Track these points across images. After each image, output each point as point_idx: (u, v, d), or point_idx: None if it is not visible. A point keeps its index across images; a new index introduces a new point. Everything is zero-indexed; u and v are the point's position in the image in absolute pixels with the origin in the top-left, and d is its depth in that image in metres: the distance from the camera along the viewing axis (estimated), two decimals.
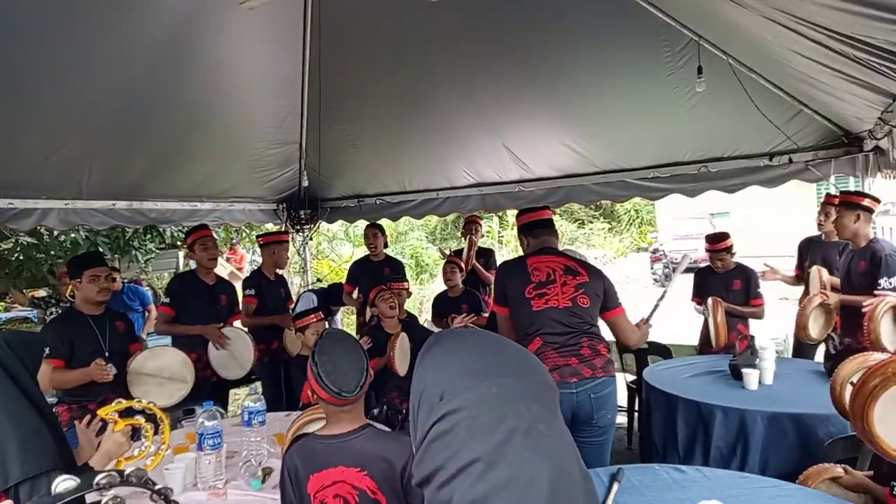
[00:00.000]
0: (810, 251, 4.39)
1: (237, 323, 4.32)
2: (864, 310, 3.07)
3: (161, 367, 3.25)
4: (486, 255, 5.62)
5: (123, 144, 4.20)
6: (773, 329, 5.18)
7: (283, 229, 6.10)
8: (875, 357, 2.13)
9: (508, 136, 4.79)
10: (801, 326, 3.56)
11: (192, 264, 4.61)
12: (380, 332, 3.81)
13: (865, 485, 1.98)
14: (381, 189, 5.91)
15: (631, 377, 4.48)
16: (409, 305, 5.06)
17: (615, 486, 1.99)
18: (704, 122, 4.07)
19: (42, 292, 8.87)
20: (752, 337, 3.55)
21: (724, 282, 4.18)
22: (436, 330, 4.64)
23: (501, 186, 5.28)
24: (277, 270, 4.74)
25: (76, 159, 4.07)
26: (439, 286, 6.12)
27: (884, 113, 3.00)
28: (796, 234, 4.79)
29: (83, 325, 3.19)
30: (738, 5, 2.42)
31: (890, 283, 3.24)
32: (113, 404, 1.94)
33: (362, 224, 5.77)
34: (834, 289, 3.68)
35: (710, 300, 3.97)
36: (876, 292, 3.21)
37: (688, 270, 3.58)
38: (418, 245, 15.22)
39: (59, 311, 6.53)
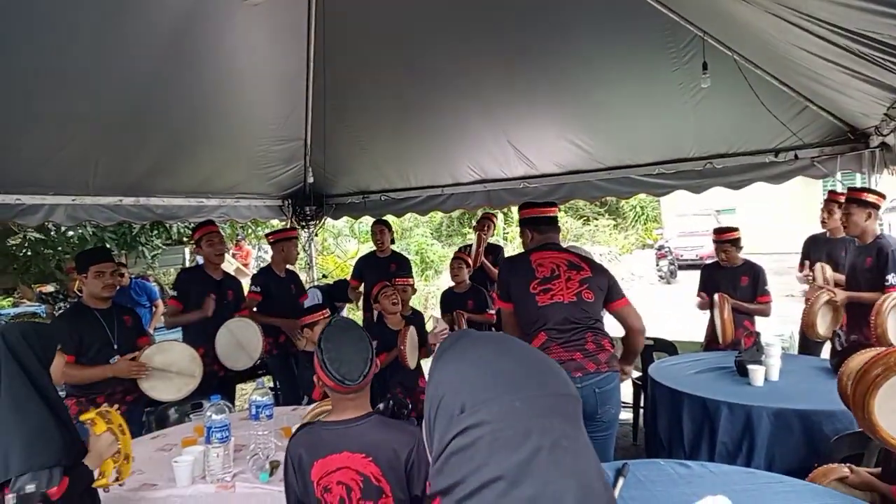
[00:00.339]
0: (815, 248, 4.37)
1: None
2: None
3: (169, 362, 3.26)
4: (494, 251, 5.63)
5: (130, 141, 4.22)
6: (778, 326, 5.17)
7: (288, 225, 6.12)
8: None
9: (513, 133, 4.80)
10: (809, 324, 3.53)
11: (199, 260, 4.63)
12: (383, 328, 3.82)
13: (871, 483, 1.97)
14: (385, 185, 5.93)
15: (636, 373, 4.48)
16: (414, 302, 5.08)
17: (620, 481, 2.00)
18: (709, 118, 4.06)
19: (49, 287, 8.92)
20: (758, 333, 3.54)
21: (731, 278, 4.16)
22: (442, 324, 4.65)
23: (506, 183, 5.29)
24: (288, 266, 4.76)
25: (83, 156, 4.10)
26: (444, 282, 6.14)
27: (890, 109, 2.99)
28: (802, 231, 4.77)
29: (91, 320, 3.21)
30: (743, 1, 2.42)
31: None
32: (90, 412, 1.94)
33: (367, 220, 5.78)
34: (837, 285, 3.67)
35: (716, 296, 3.95)
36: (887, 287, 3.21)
37: (695, 267, 3.58)
38: (423, 241, 15.24)
39: (67, 306, 6.58)
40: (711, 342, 4.20)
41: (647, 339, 4.12)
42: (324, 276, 10.71)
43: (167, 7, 3.43)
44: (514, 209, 10.40)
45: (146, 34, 3.52)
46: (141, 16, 3.38)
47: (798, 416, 2.66)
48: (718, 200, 14.94)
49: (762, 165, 4.19)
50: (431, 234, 16.84)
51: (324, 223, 6.74)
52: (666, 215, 20.36)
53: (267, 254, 12.69)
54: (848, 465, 2.07)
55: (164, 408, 3.29)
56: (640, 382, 4.31)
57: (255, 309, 4.43)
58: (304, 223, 6.30)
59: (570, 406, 0.73)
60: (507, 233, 16.21)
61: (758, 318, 4.18)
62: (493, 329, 4.74)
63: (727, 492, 1.79)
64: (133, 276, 6.51)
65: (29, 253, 8.45)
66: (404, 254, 6.34)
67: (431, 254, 14.60)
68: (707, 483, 1.99)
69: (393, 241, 5.37)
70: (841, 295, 3.49)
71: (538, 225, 3.02)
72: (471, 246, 5.38)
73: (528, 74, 4.22)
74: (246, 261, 11.76)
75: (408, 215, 6.90)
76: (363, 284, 5.23)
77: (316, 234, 6.78)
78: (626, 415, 4.21)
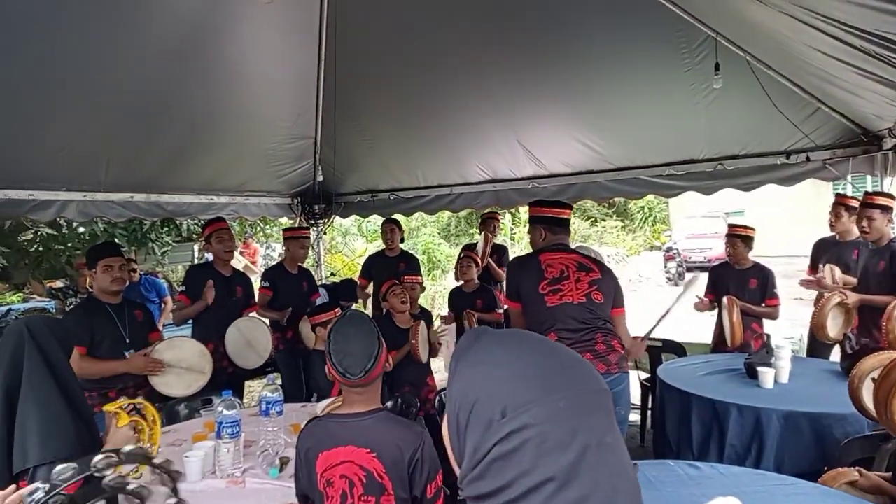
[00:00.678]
0: (824, 252, 4.34)
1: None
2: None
3: (179, 358, 3.28)
4: (498, 251, 5.62)
5: (141, 138, 4.26)
6: (788, 328, 5.14)
7: (297, 224, 6.14)
8: None
9: (523, 133, 4.79)
10: (819, 326, 3.50)
11: (208, 256, 4.65)
12: (391, 326, 3.82)
13: (881, 486, 1.96)
14: (394, 184, 5.94)
15: (644, 375, 4.47)
16: (421, 301, 5.08)
17: None
18: (721, 119, 4.04)
19: (59, 283, 8.99)
20: (768, 335, 3.52)
21: (740, 280, 4.13)
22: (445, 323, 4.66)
23: (515, 183, 5.28)
24: (300, 264, 4.79)
25: (95, 152, 4.14)
26: (451, 282, 6.14)
27: None
28: (811, 234, 4.74)
29: (103, 315, 3.23)
30: (757, 1, 2.41)
31: None
32: (119, 401, 1.97)
33: (375, 219, 5.79)
34: (847, 287, 3.65)
35: (725, 299, 3.93)
36: None
37: (703, 269, 3.57)
38: (430, 241, 15.24)
39: (78, 301, 6.62)
40: (719, 344, 4.18)
41: (656, 340, 4.13)
42: (332, 274, 10.75)
43: (180, 6, 3.46)
44: (523, 210, 10.41)
45: (159, 33, 3.55)
46: (155, 15, 3.41)
47: (808, 418, 2.65)
48: (727, 202, 14.86)
49: (773, 167, 4.16)
50: (439, 233, 16.83)
51: (332, 221, 6.76)
52: (674, 217, 20.26)
53: (274, 251, 12.76)
54: (857, 468, 2.06)
55: (174, 403, 3.31)
56: (648, 384, 4.30)
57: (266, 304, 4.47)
58: (312, 221, 6.32)
59: (607, 401, 0.72)
60: (515, 233, 16.19)
61: (766, 321, 4.16)
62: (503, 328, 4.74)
63: (737, 493, 1.78)
64: (143, 273, 6.55)
65: (40, 248, 8.53)
66: (411, 253, 6.36)
67: (439, 253, 14.60)
68: (717, 484, 1.99)
69: (402, 241, 5.38)
70: (853, 297, 3.46)
71: (552, 225, 3.01)
72: (475, 244, 5.39)
73: (538, 74, 4.21)
74: (254, 259, 11.81)
75: (415, 215, 6.91)
76: (372, 283, 5.24)
77: (324, 233, 6.79)
78: (633, 416, 4.19)
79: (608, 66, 4.03)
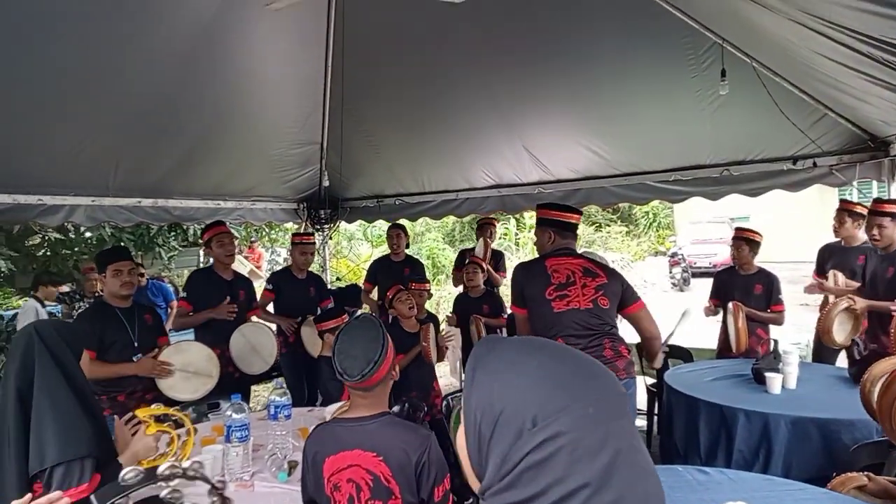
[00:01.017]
0: (829, 257, 4.33)
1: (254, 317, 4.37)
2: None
3: (187, 362, 3.29)
4: (496, 257, 5.63)
5: (149, 143, 4.29)
6: (794, 334, 5.13)
7: (302, 229, 6.16)
8: None
9: (528, 138, 4.81)
10: (825, 330, 3.49)
11: (212, 261, 4.67)
12: (398, 331, 3.82)
13: (891, 491, 1.95)
14: (400, 189, 5.95)
15: (651, 380, 4.46)
16: (426, 306, 5.08)
17: None
18: (727, 125, 4.04)
19: (66, 287, 9.02)
20: (776, 341, 3.51)
21: (745, 285, 4.12)
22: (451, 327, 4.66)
23: (520, 188, 5.29)
24: (311, 270, 4.80)
25: (103, 157, 4.16)
26: (454, 287, 6.14)
27: None
28: (816, 240, 4.73)
29: (113, 318, 3.25)
30: (763, 7, 2.42)
31: None
32: (153, 407, 1.99)
33: (380, 224, 5.80)
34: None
35: (730, 305, 3.92)
36: None
37: (708, 274, 3.57)
38: (435, 246, 15.24)
39: (86, 306, 6.66)
40: (724, 350, 4.17)
41: (663, 345, 4.11)
42: (337, 279, 10.77)
43: (190, 13, 3.48)
44: (527, 215, 10.39)
45: (169, 39, 3.57)
46: (164, 21, 3.43)
47: (816, 424, 2.64)
48: (733, 208, 14.84)
49: (780, 173, 4.16)
50: (443, 238, 16.84)
51: (338, 226, 6.77)
52: (679, 222, 20.24)
53: (279, 256, 12.78)
54: (866, 473, 2.06)
55: (181, 408, 3.31)
56: (654, 389, 4.28)
57: (268, 308, 4.48)
58: (318, 226, 6.34)
59: (628, 405, 0.73)
60: (519, 238, 16.18)
61: (772, 327, 4.15)
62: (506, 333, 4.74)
63: (747, 498, 1.79)
64: (150, 278, 6.58)
65: (48, 253, 8.56)
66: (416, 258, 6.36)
67: (443, 258, 14.59)
68: (726, 489, 1.98)
69: (408, 246, 5.39)
70: (861, 303, 3.45)
71: (561, 229, 3.00)
72: (472, 249, 5.39)
73: (544, 79, 4.23)
74: (258, 263, 11.84)
75: (420, 220, 6.92)
76: (377, 288, 5.25)
77: (330, 238, 6.81)
78: (639, 422, 4.19)
79: (614, 71, 4.04)
